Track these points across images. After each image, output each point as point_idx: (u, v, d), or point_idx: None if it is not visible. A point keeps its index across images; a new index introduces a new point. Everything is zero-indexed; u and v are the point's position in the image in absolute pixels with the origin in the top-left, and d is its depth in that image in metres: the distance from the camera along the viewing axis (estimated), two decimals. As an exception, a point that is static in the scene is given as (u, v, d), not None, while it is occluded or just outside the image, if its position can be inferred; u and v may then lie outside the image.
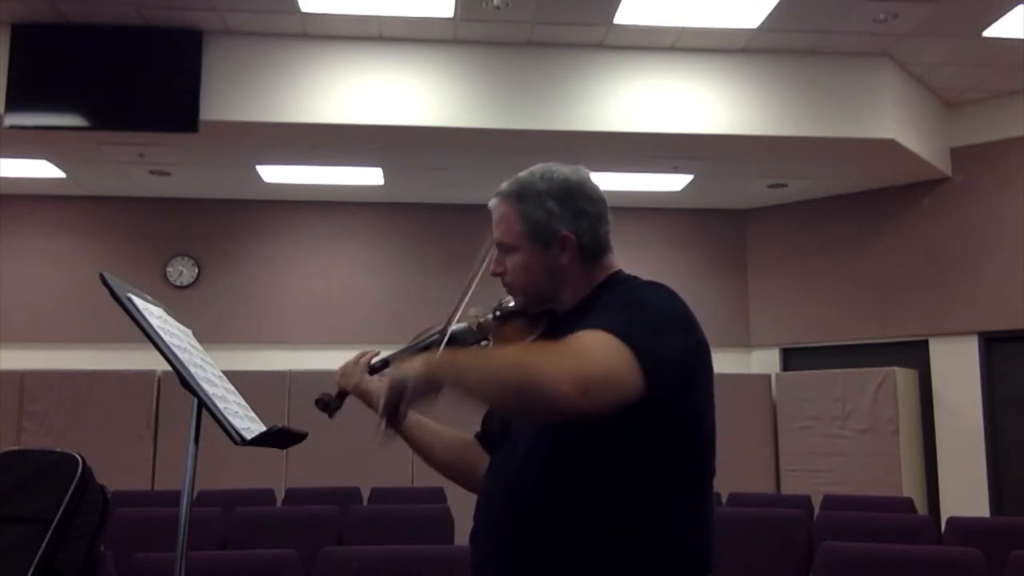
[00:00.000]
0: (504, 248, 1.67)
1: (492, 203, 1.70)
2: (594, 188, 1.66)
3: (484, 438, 1.80)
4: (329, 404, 1.81)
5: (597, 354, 1.36)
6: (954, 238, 7.18)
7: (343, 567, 2.96)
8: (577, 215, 1.62)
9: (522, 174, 1.68)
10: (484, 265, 1.74)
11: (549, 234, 1.62)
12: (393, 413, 1.52)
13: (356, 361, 1.84)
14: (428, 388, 1.45)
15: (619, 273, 1.67)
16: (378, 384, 1.79)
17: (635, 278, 1.65)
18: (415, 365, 1.45)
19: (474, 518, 1.64)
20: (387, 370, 1.81)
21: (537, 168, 1.68)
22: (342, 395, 1.82)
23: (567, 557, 1.47)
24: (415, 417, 1.83)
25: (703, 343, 1.54)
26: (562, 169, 1.66)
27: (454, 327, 1.76)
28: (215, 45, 5.87)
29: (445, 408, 1.68)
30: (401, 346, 1.84)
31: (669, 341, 1.46)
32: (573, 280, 1.64)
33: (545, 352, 1.38)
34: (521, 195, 1.65)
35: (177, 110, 5.75)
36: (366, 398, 1.81)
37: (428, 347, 1.76)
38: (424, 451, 1.84)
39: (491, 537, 1.59)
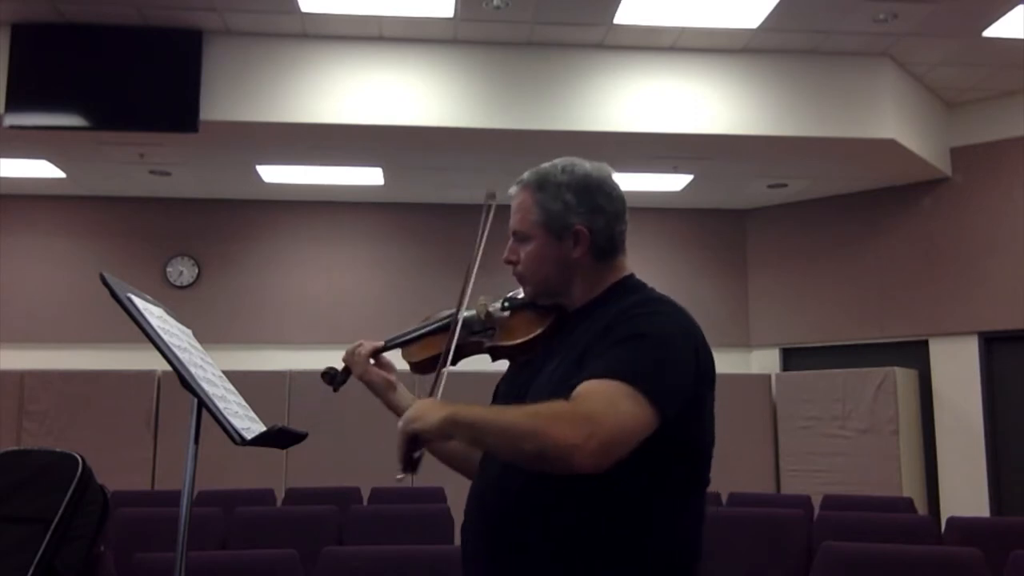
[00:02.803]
0: (518, 237, 1.68)
1: (512, 191, 1.71)
2: (614, 186, 1.67)
3: None
4: (335, 378, 1.86)
5: (609, 413, 1.37)
6: (954, 238, 7.17)
7: (343, 567, 2.96)
8: (593, 211, 1.63)
9: (545, 165, 1.69)
10: (486, 227, 1.76)
11: (563, 226, 1.62)
12: (408, 458, 1.52)
13: (354, 351, 1.88)
14: (440, 438, 1.51)
15: (631, 278, 1.67)
16: (381, 376, 1.85)
17: (645, 286, 1.65)
18: (430, 417, 1.45)
19: (465, 512, 1.65)
20: (397, 347, 1.87)
21: (560, 161, 1.69)
22: (348, 371, 1.87)
23: (555, 556, 1.48)
24: None
25: (709, 364, 1.55)
26: (584, 164, 1.67)
27: (464, 314, 1.78)
28: (215, 45, 5.87)
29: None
30: (410, 328, 1.88)
31: (679, 373, 1.48)
32: (584, 277, 1.64)
33: (557, 417, 1.37)
34: (540, 185, 1.65)
35: (177, 110, 5.74)
36: (370, 388, 1.87)
37: (436, 332, 1.81)
38: (447, 457, 1.83)
39: (479, 531, 1.60)
